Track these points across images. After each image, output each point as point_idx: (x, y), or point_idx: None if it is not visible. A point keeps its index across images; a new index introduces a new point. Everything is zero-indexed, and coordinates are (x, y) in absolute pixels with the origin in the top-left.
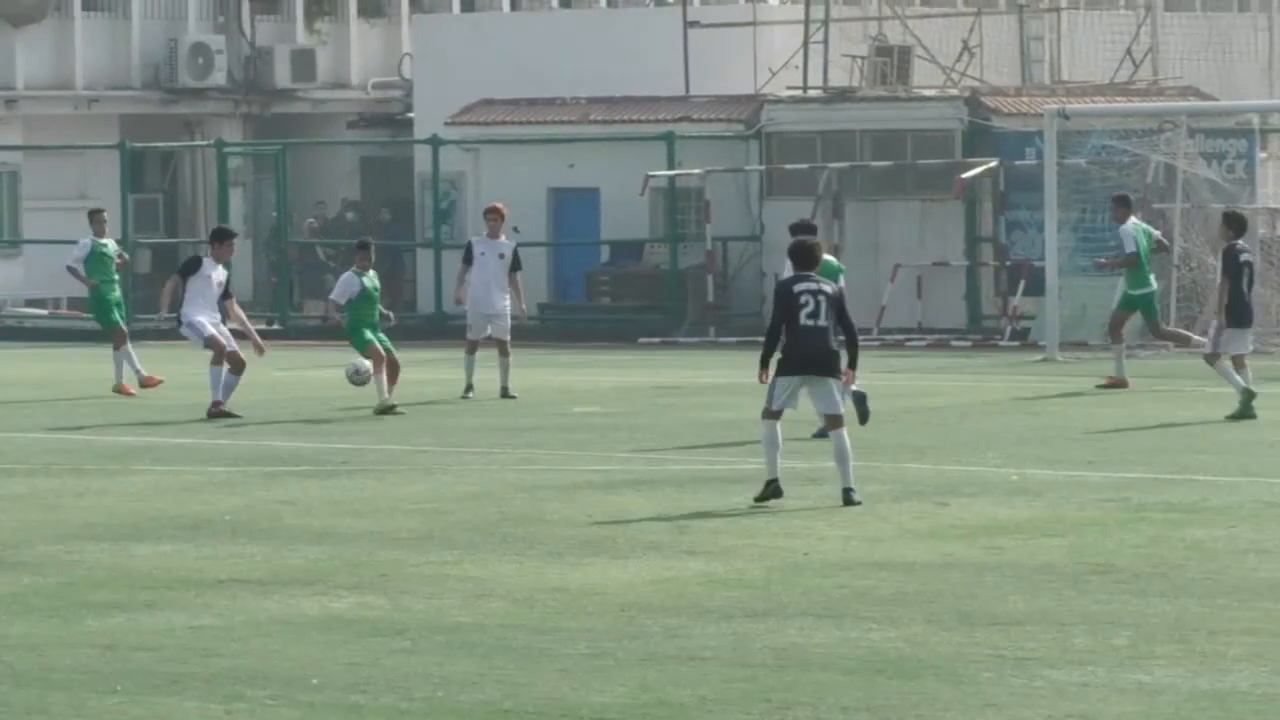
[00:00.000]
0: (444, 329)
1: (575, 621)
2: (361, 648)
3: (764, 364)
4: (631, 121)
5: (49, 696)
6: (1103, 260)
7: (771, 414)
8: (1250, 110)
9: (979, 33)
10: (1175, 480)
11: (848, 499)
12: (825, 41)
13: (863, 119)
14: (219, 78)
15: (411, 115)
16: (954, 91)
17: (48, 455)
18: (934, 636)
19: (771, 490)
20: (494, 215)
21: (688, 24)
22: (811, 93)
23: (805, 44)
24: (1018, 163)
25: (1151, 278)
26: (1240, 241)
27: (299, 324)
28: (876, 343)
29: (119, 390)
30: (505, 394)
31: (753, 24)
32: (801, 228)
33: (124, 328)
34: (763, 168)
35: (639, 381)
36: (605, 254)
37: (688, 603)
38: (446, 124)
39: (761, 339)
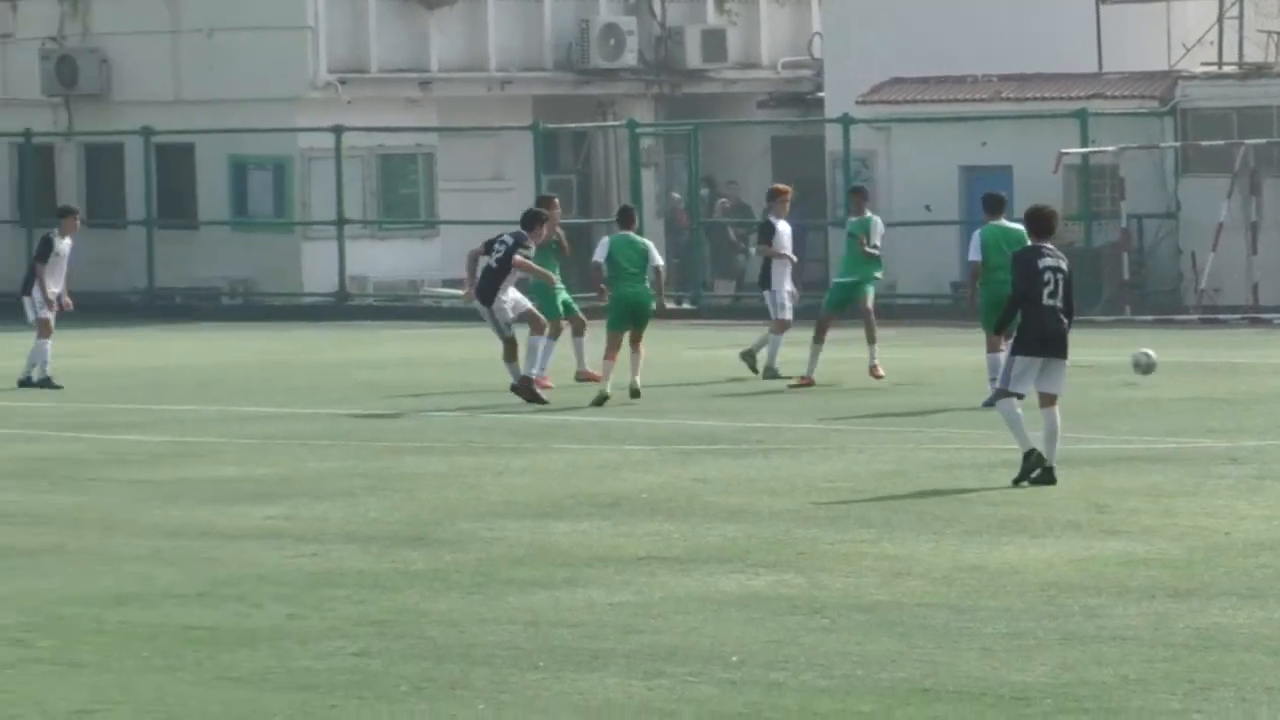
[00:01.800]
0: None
1: (994, 600)
2: (779, 625)
3: (1001, 330)
4: (1044, 99)
5: (472, 672)
6: None
7: (1008, 394)
8: None
9: None
10: None
11: (1048, 476)
12: (1240, 17)
13: (1277, 95)
14: (630, 58)
15: (821, 95)
16: None
17: (465, 434)
18: None
19: (1034, 462)
20: (783, 196)
21: (1100, 0)
22: (1227, 68)
23: (1220, 19)
24: None
25: None
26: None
27: (711, 303)
28: None
29: (583, 377)
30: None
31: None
32: (992, 200)
33: (580, 316)
34: (1178, 145)
35: None
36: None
37: (1108, 582)
38: (857, 103)
39: (1180, 316)
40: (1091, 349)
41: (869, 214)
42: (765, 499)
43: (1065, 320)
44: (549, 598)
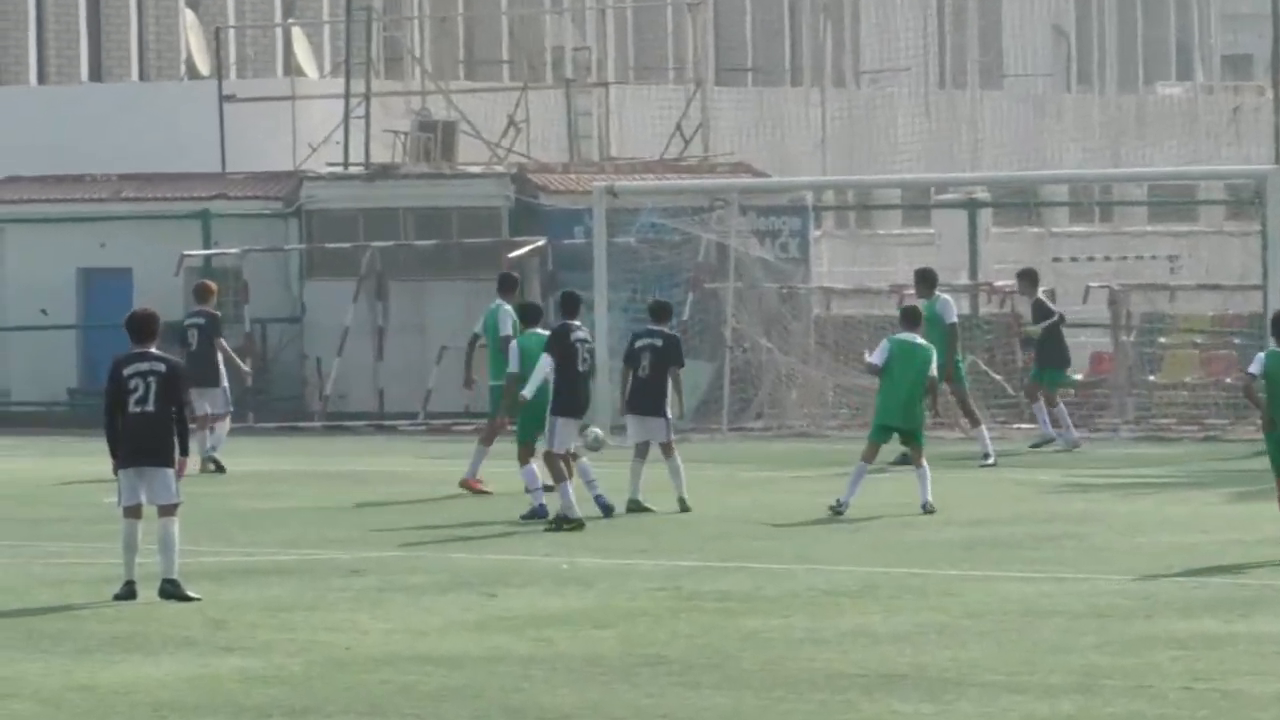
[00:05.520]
0: None
1: None
2: None
3: None
4: (165, 199)
5: None
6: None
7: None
8: (803, 187)
9: (525, 108)
10: (729, 568)
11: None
12: (367, 116)
13: (406, 196)
14: None
15: None
16: (500, 168)
17: None
18: None
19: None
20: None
21: (224, 98)
22: (353, 169)
23: (346, 119)
24: (566, 241)
25: None
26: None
27: None
28: (423, 427)
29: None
30: None
31: (291, 98)
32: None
33: None
34: (303, 247)
35: None
36: None
37: (224, 700)
38: None
39: (304, 424)
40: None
41: None
42: None
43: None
44: None
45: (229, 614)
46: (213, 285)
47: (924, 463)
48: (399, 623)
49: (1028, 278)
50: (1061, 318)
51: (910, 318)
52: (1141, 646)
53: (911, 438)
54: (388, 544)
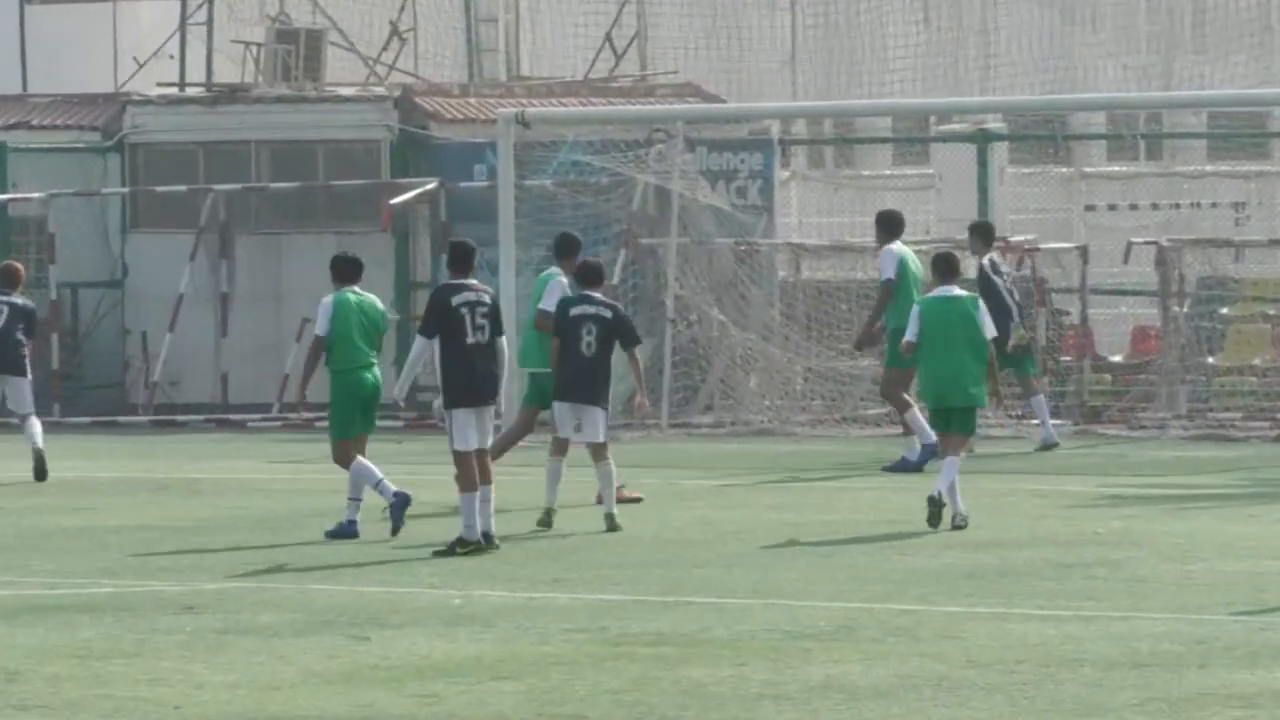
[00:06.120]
0: None
1: None
2: None
3: None
4: None
5: None
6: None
7: None
8: (767, 114)
9: (413, 13)
10: (668, 603)
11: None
12: (210, 23)
13: (259, 126)
14: None
15: None
16: (380, 90)
17: None
18: None
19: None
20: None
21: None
22: (191, 91)
23: (182, 25)
24: (463, 184)
25: None
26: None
27: None
28: (278, 422)
29: None
30: None
31: None
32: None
33: None
34: (126, 190)
35: None
36: None
37: None
38: None
39: (126, 418)
40: (6, 462)
41: None
42: None
43: None
44: None
45: (24, 663)
46: (19, 268)
47: (961, 454)
48: (244, 674)
49: (980, 233)
50: (1010, 292)
51: (945, 268)
52: (1193, 705)
53: (962, 420)
54: (230, 572)
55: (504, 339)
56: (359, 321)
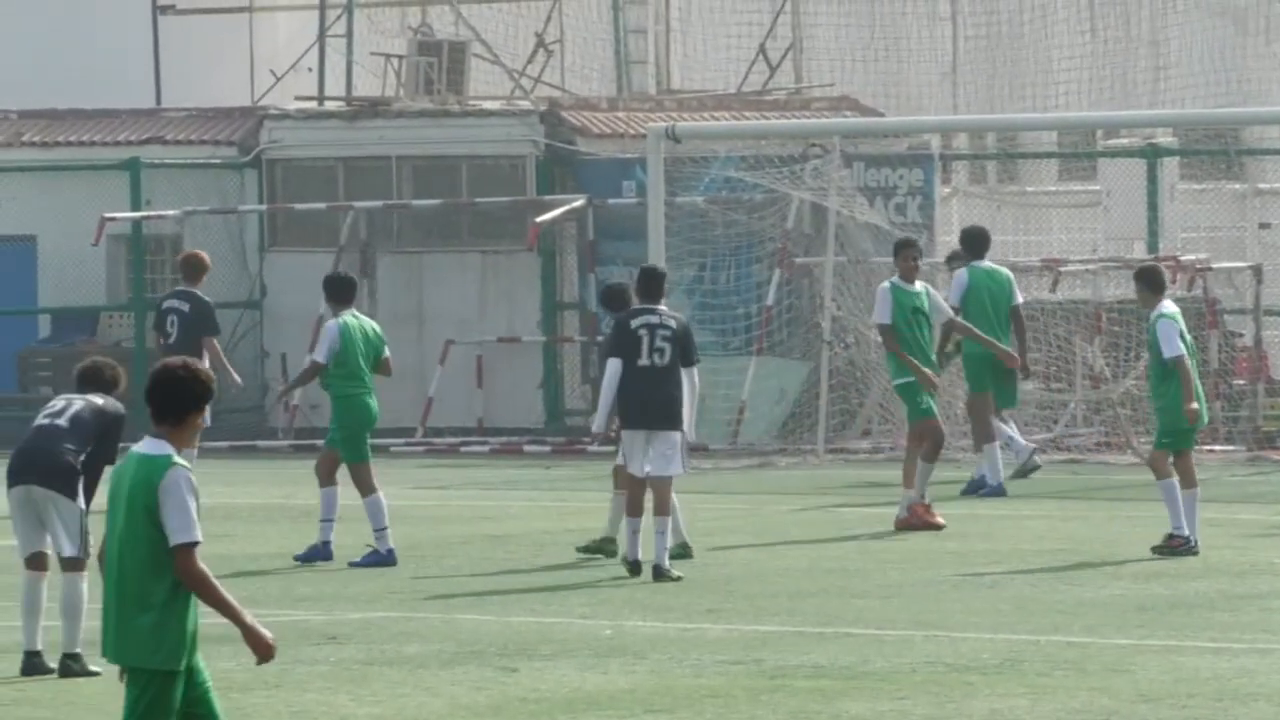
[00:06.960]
0: None
1: None
2: None
3: None
4: (81, 144)
5: None
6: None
7: None
8: (927, 129)
9: (559, 24)
10: (826, 635)
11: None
12: (349, 34)
13: (401, 141)
14: None
15: None
16: (525, 104)
17: None
18: None
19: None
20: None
21: (159, 8)
22: (330, 105)
23: (321, 37)
24: (612, 201)
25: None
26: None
27: None
28: (421, 447)
29: None
30: None
31: (248, 9)
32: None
33: None
34: (263, 208)
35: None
36: (46, 326)
37: None
38: None
39: (265, 442)
40: None
41: None
42: None
43: None
44: None
45: None
46: (204, 257)
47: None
48: (389, 706)
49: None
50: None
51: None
52: None
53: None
54: (375, 602)
55: (695, 368)
56: (362, 348)
